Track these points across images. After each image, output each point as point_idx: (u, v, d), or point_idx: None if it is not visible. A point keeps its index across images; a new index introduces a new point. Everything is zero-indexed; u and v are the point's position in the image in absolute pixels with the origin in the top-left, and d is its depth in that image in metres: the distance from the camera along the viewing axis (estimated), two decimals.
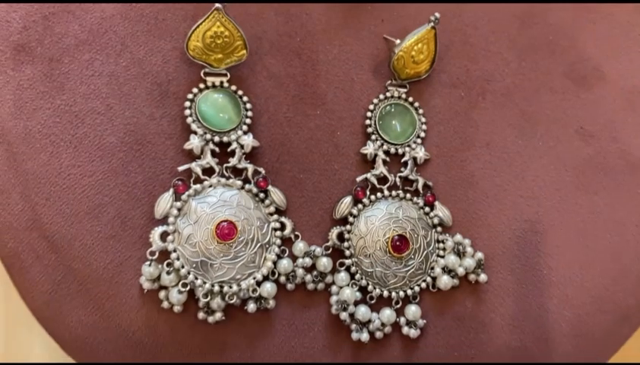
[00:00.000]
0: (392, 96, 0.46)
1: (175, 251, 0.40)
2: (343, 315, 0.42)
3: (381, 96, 0.45)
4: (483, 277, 0.44)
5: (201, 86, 0.43)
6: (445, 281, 0.43)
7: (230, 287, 0.40)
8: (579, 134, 0.48)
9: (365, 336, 0.42)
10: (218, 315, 0.40)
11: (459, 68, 0.47)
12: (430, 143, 0.46)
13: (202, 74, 0.43)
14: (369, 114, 0.45)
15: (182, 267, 0.40)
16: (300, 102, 0.45)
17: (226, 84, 0.43)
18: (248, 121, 0.43)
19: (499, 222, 0.46)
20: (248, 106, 0.43)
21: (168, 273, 0.40)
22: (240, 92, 0.43)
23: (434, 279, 0.44)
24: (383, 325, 0.43)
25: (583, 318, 0.46)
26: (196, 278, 0.40)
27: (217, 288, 0.40)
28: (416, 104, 0.46)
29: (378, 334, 0.42)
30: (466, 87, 0.47)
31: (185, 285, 0.40)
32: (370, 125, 0.45)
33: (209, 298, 0.40)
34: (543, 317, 0.45)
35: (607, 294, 0.46)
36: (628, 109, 0.49)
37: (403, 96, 0.46)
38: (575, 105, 0.48)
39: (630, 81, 0.50)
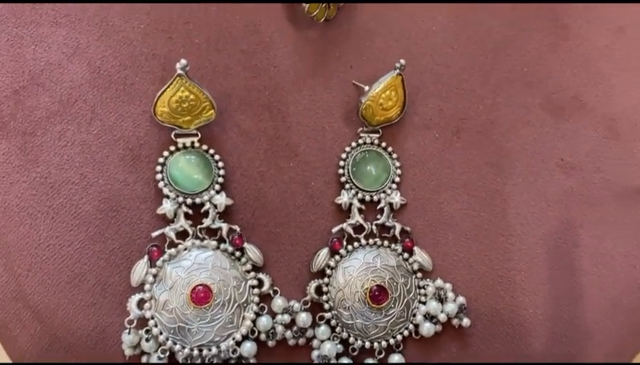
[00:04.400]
0: (365, 143, 0.45)
1: (152, 318, 0.40)
2: None
3: (354, 144, 0.45)
4: (466, 321, 0.43)
5: (172, 148, 0.43)
6: (427, 328, 0.43)
7: (210, 350, 0.40)
8: (560, 167, 0.47)
9: None
10: None
11: (432, 109, 0.46)
12: (406, 187, 0.45)
13: (173, 136, 0.43)
14: (341, 163, 0.44)
15: (161, 333, 0.40)
16: (273, 155, 0.45)
17: (197, 144, 0.43)
18: (220, 180, 0.43)
19: (481, 263, 0.45)
20: (220, 164, 0.43)
21: (147, 340, 0.40)
22: (212, 151, 0.43)
23: (416, 326, 0.43)
24: None
25: (574, 355, 0.45)
26: (175, 344, 0.40)
27: (196, 352, 0.40)
28: (390, 149, 0.45)
29: None
30: (440, 128, 0.46)
31: (164, 351, 0.40)
32: (344, 174, 0.44)
33: (189, 362, 0.40)
34: (531, 358, 0.45)
35: (598, 329, 0.46)
36: (610, 137, 0.48)
37: (376, 141, 0.45)
38: (555, 137, 0.47)
39: (611, 108, 0.48)
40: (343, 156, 0.45)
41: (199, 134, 0.43)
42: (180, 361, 0.40)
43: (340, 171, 0.44)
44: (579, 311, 0.45)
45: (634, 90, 0.49)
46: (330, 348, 0.42)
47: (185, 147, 0.43)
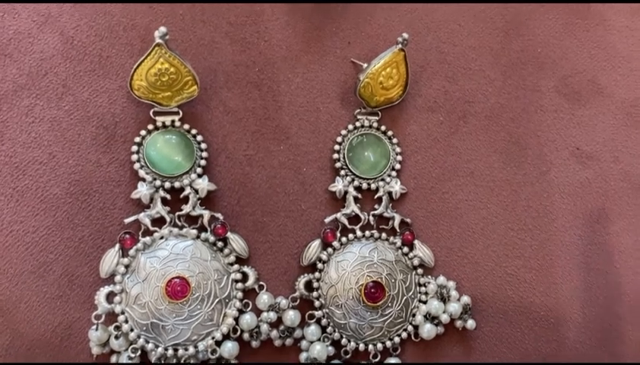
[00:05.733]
0: (362, 126, 0.42)
1: (123, 313, 0.37)
2: None
3: (350, 127, 0.42)
4: (470, 323, 0.40)
5: (150, 127, 0.40)
6: (428, 330, 0.40)
7: (186, 350, 0.37)
8: (575, 157, 0.44)
9: None
10: None
11: (437, 90, 0.43)
12: (407, 175, 0.42)
13: (151, 114, 0.40)
14: (337, 147, 0.41)
15: (132, 330, 0.37)
16: (262, 137, 0.41)
17: (177, 123, 0.40)
18: (202, 162, 0.40)
19: (488, 259, 0.42)
20: (203, 145, 0.40)
21: (116, 337, 0.37)
22: (194, 131, 0.40)
23: (416, 328, 0.40)
24: None
25: (589, 358, 0.41)
26: (147, 342, 0.37)
27: (170, 352, 0.37)
28: (390, 133, 0.42)
29: None
30: (445, 111, 0.43)
31: (135, 350, 0.37)
32: (339, 159, 0.41)
33: (163, 363, 0.37)
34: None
35: (615, 334, 0.42)
36: (630, 126, 0.44)
37: (375, 124, 0.42)
38: (570, 124, 0.44)
39: (631, 93, 0.45)
40: (339, 139, 0.42)
41: (180, 113, 0.40)
42: (153, 361, 0.37)
43: (335, 156, 0.41)
44: (594, 314, 0.42)
45: None
46: (320, 350, 0.38)
47: (164, 126, 0.40)
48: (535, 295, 0.41)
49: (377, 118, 0.42)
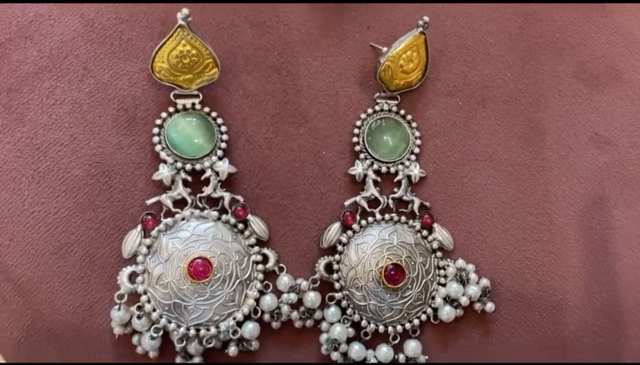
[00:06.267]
0: (382, 110, 0.42)
1: (145, 293, 0.37)
2: (335, 355, 0.39)
3: (370, 111, 0.42)
4: (489, 306, 0.40)
5: (171, 109, 0.40)
6: (447, 312, 0.40)
7: (208, 330, 0.37)
8: (594, 142, 0.43)
9: None
10: (197, 360, 0.37)
11: (455, 75, 0.43)
12: (426, 159, 0.42)
13: (172, 97, 0.40)
14: (356, 131, 0.41)
15: (154, 310, 0.37)
16: (281, 121, 0.41)
17: (198, 106, 0.40)
18: (223, 145, 0.40)
19: (507, 243, 0.42)
20: (223, 128, 0.40)
21: (139, 317, 0.37)
22: (214, 114, 0.40)
23: (435, 310, 0.40)
24: (380, 363, 0.39)
25: (604, 346, 0.41)
26: (169, 322, 0.37)
27: (192, 332, 0.37)
28: (409, 117, 0.42)
29: None
30: (464, 95, 0.43)
31: (157, 330, 0.37)
32: (358, 143, 0.41)
33: (185, 343, 0.37)
34: (559, 347, 0.41)
35: (632, 318, 0.42)
36: None
37: (394, 108, 0.42)
38: (588, 109, 0.44)
39: None
40: (358, 123, 0.42)
41: (200, 96, 0.40)
42: (175, 341, 0.37)
43: (355, 140, 0.41)
44: (612, 298, 0.42)
45: None
46: (340, 331, 0.38)
47: (185, 108, 0.40)
48: (553, 279, 0.41)
49: (396, 102, 0.42)
